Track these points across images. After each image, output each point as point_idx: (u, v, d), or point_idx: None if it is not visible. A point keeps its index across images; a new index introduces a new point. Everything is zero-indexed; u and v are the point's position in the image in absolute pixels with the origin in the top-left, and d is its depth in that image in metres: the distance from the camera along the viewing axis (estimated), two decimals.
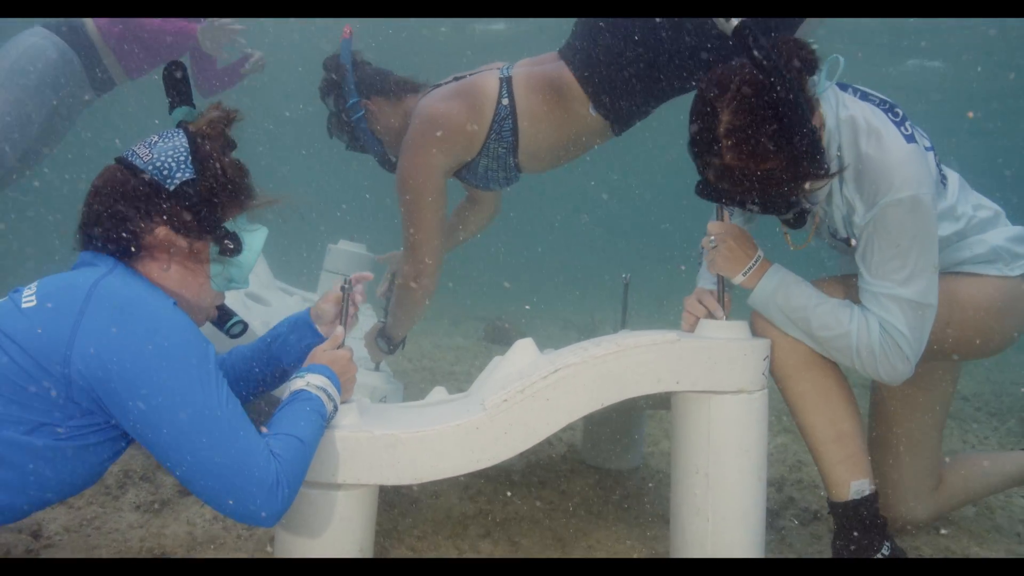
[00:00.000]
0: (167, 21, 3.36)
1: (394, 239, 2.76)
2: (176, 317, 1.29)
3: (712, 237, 1.76)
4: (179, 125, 1.50)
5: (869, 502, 1.79)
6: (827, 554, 2.06)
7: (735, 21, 1.45)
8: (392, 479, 1.56)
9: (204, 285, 1.48)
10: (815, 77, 1.62)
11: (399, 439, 1.56)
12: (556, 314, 8.94)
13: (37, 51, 3.21)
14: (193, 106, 1.54)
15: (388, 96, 2.59)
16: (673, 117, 2.47)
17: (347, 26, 2.65)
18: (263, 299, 2.97)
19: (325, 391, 1.51)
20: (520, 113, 2.35)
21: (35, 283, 1.31)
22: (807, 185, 1.56)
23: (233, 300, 2.36)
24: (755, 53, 1.41)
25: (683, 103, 2.21)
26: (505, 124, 2.36)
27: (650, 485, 2.58)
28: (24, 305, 1.24)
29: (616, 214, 31.87)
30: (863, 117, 1.66)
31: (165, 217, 1.39)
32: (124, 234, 1.37)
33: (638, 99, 2.31)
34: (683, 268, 2.36)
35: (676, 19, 2.16)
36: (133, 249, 1.38)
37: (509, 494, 2.38)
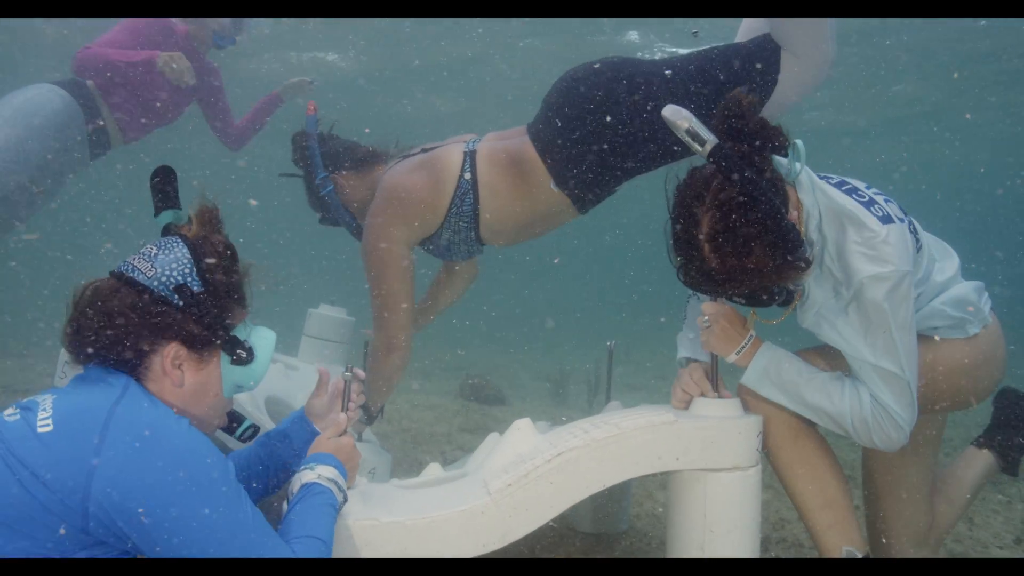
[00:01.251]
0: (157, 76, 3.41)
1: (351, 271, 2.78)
2: (195, 441, 1.26)
3: (706, 317, 1.83)
4: (168, 230, 1.49)
5: (862, 560, 1.85)
6: None
7: (709, 146, 1.52)
8: None
9: (217, 395, 1.46)
10: (788, 161, 1.73)
11: (405, 526, 1.57)
12: (524, 364, 8.99)
13: (43, 99, 3.23)
14: (180, 208, 1.54)
15: (355, 169, 2.64)
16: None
17: (311, 103, 2.72)
18: None
19: (335, 483, 1.52)
20: (481, 188, 2.38)
21: (50, 400, 1.25)
22: (789, 277, 1.64)
23: None
24: (733, 177, 1.50)
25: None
26: (466, 199, 2.39)
27: (638, 549, 2.61)
28: (40, 430, 1.19)
29: (580, 256, 32.26)
30: (839, 199, 1.75)
31: (176, 333, 1.36)
32: (134, 354, 1.33)
33: (601, 177, 2.35)
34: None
35: (643, 95, 2.23)
36: (144, 368, 1.35)
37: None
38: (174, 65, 3.33)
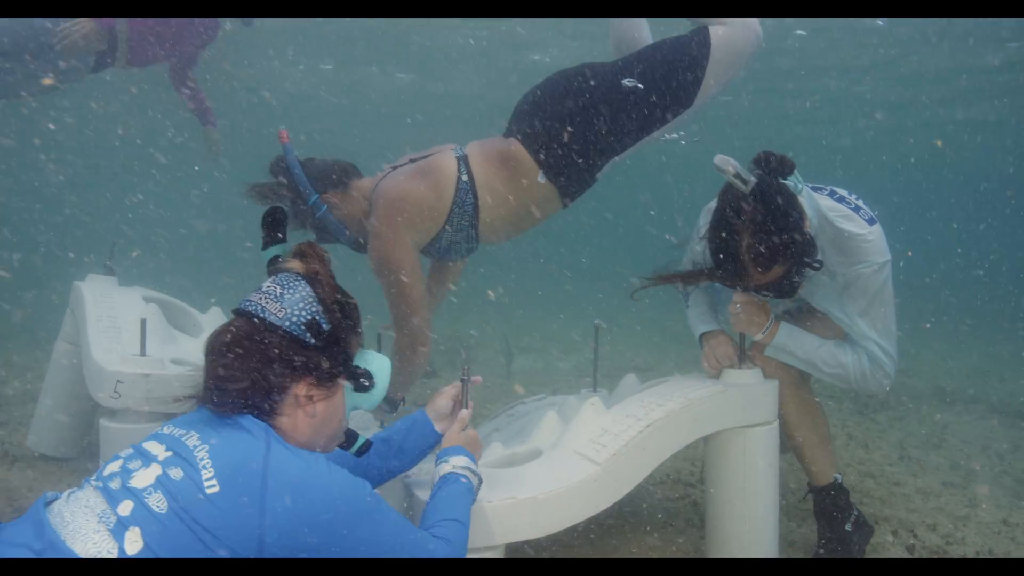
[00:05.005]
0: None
1: (344, 277, 2.91)
2: (340, 478, 1.37)
3: (738, 306, 2.24)
4: (273, 263, 1.55)
5: (840, 484, 2.41)
6: (812, 528, 2.65)
7: (752, 185, 1.92)
8: (536, 533, 1.84)
9: (341, 420, 1.56)
10: (793, 180, 2.16)
11: (536, 500, 1.84)
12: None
13: None
14: (286, 241, 1.61)
15: (339, 187, 2.70)
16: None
17: (283, 130, 2.71)
18: None
19: (469, 469, 1.75)
20: (479, 187, 2.60)
21: (205, 453, 1.30)
22: (804, 275, 2.06)
23: None
24: (770, 205, 1.91)
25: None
26: (467, 199, 2.60)
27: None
28: (209, 491, 1.25)
29: None
30: (833, 210, 2.20)
31: (308, 369, 1.42)
32: (273, 395, 1.40)
33: (581, 159, 2.60)
34: (669, 238, 2.72)
35: (604, 90, 2.52)
36: (278, 404, 1.42)
37: None
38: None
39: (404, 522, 1.46)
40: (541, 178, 2.60)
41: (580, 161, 2.59)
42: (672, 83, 2.53)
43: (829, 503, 2.40)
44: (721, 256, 2.04)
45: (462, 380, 1.96)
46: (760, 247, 1.96)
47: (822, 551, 2.40)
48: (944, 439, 4.08)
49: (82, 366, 2.47)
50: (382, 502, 1.44)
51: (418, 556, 1.43)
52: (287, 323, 1.41)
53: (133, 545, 1.19)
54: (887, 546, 2.62)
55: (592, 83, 2.56)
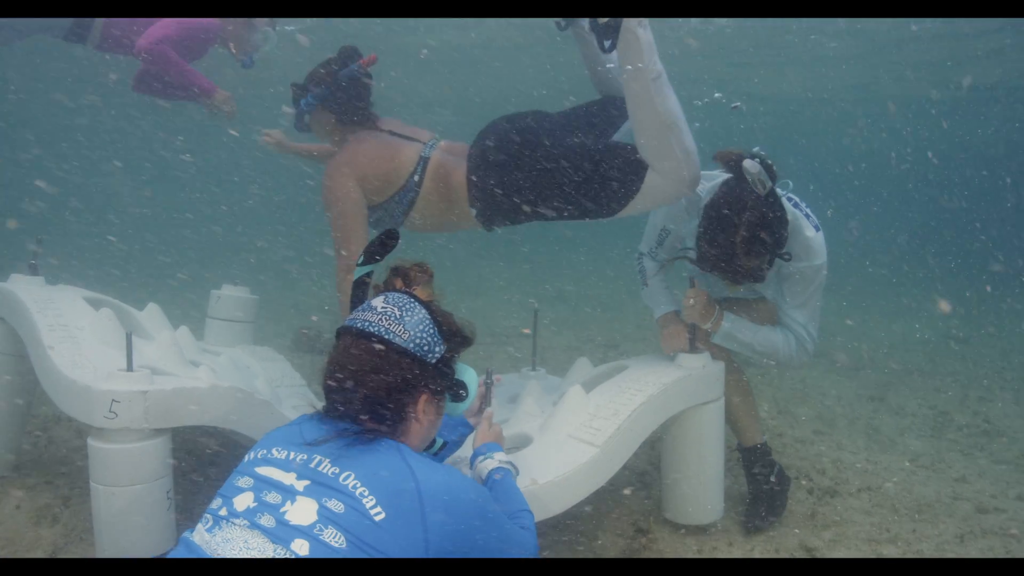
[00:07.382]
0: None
1: (277, 279, 3.00)
2: (471, 486, 1.51)
3: (691, 300, 2.59)
4: (364, 279, 1.67)
5: (766, 445, 2.89)
6: (737, 479, 3.11)
7: (768, 189, 2.27)
8: (548, 513, 2.08)
9: (437, 427, 1.72)
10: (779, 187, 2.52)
11: (554, 483, 2.09)
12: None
13: None
14: (382, 261, 1.72)
15: (344, 120, 3.00)
16: None
17: (373, 55, 3.00)
18: (198, 363, 2.91)
19: (509, 462, 1.96)
20: (421, 194, 2.89)
21: (355, 482, 1.37)
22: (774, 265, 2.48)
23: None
24: (775, 209, 2.30)
25: None
26: (408, 195, 2.89)
27: None
28: (377, 519, 1.34)
29: None
30: (792, 214, 2.56)
31: (426, 386, 1.57)
32: (400, 412, 1.54)
33: (511, 212, 2.79)
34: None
35: (570, 152, 2.62)
36: (400, 419, 1.55)
37: None
38: (225, 109, 3.95)
39: (505, 516, 1.64)
40: (468, 207, 2.85)
41: (511, 212, 2.80)
42: (606, 192, 2.60)
43: (756, 460, 2.87)
44: (715, 242, 2.37)
45: (486, 381, 2.14)
46: (754, 239, 2.33)
47: (750, 499, 2.87)
48: (807, 393, 4.83)
49: (43, 381, 2.31)
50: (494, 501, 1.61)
51: (522, 546, 1.62)
52: (412, 345, 1.54)
53: None
54: (791, 490, 3.16)
55: (549, 150, 2.66)
